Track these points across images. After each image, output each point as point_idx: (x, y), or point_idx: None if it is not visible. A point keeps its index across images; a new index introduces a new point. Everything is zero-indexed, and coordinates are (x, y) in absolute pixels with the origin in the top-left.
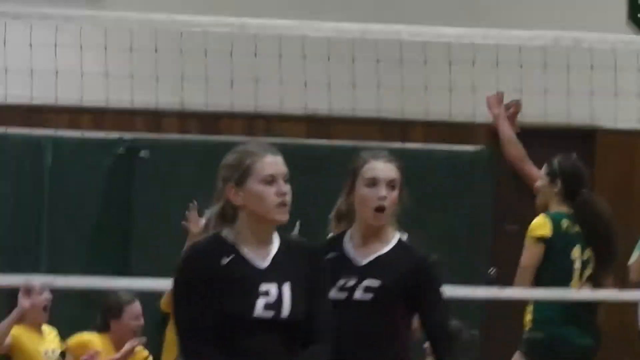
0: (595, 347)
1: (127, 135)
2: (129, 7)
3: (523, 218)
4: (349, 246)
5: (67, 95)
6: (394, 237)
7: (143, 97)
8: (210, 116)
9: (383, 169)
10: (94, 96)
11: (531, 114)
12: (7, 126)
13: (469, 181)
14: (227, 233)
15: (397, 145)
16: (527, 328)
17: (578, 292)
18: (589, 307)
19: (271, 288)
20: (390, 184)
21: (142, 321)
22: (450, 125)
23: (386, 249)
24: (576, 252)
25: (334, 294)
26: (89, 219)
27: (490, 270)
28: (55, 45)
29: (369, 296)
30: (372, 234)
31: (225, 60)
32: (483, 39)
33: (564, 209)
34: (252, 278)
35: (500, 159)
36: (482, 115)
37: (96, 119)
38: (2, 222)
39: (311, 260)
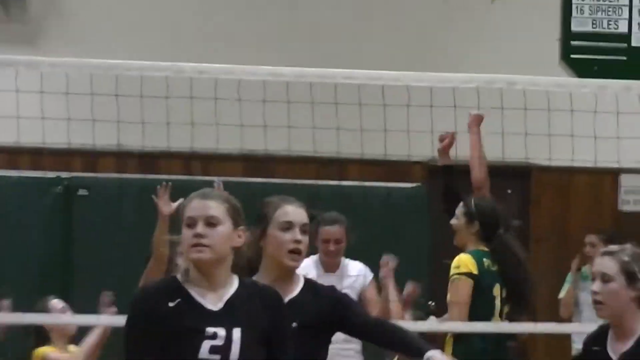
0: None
1: (65, 175)
2: (65, 51)
3: (459, 252)
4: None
5: (5, 136)
6: (300, 279)
7: (80, 138)
8: (147, 156)
9: (296, 213)
10: (31, 137)
11: (465, 152)
12: None
13: (406, 218)
14: (181, 275)
15: (334, 183)
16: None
17: (517, 325)
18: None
19: (219, 331)
20: (303, 229)
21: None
22: (386, 163)
23: (296, 290)
24: (496, 290)
25: None
26: (30, 256)
27: (430, 304)
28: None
29: None
30: (282, 278)
31: (162, 103)
32: (417, 81)
33: (481, 247)
34: (199, 321)
35: (436, 195)
36: (417, 154)
37: (34, 159)
38: None
39: (271, 304)
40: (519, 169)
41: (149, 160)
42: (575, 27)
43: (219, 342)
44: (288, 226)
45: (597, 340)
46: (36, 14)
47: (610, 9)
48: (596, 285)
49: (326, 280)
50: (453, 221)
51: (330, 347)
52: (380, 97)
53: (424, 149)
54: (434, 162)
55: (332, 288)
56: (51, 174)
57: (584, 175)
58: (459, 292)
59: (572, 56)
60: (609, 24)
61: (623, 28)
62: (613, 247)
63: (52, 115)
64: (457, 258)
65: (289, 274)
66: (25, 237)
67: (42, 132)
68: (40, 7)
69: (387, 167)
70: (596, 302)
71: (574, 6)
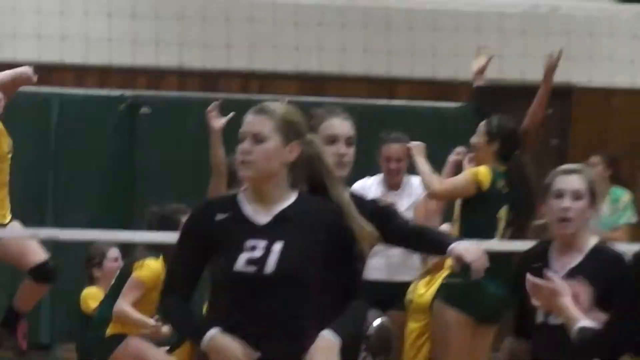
0: (508, 299)
1: (129, 92)
2: None
3: None
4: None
5: (73, 56)
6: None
7: (144, 58)
8: (208, 74)
9: (342, 125)
10: (98, 57)
11: (511, 75)
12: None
13: (452, 135)
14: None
15: (384, 102)
16: (445, 274)
17: (506, 244)
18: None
19: (259, 243)
20: (348, 141)
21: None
22: (434, 83)
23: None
24: (503, 212)
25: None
26: (93, 174)
27: None
28: (61, 18)
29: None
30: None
31: (222, 25)
32: (467, 5)
33: (498, 167)
34: (242, 234)
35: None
36: (464, 75)
37: (101, 77)
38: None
39: (329, 222)
40: (561, 90)
41: (209, 79)
42: None
43: (257, 254)
44: (333, 139)
45: (538, 257)
46: None
47: None
48: (567, 202)
49: (389, 198)
50: (473, 139)
51: None
52: (430, 21)
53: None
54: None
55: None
56: (116, 92)
57: (622, 95)
58: (461, 180)
59: None
60: None
61: None
62: (575, 166)
63: (119, 36)
64: (476, 168)
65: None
66: (91, 153)
67: (109, 52)
68: None
69: (435, 87)
70: (564, 220)
71: None
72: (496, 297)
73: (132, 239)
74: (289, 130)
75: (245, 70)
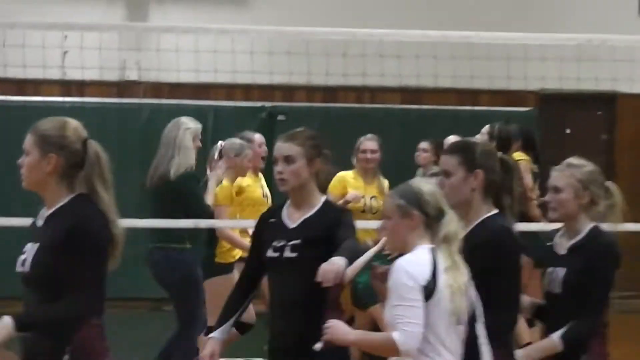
0: None
1: (268, 104)
2: (266, 13)
3: (565, 159)
4: (285, 213)
5: (224, 76)
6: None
7: (280, 77)
8: (329, 89)
9: (279, 147)
10: (244, 77)
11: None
12: (179, 98)
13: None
14: None
15: (468, 108)
16: None
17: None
18: None
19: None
20: (286, 160)
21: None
22: (507, 92)
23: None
24: None
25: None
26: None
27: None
28: (215, 52)
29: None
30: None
31: (341, 55)
32: (534, 40)
33: None
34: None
35: (543, 116)
36: (531, 85)
37: (246, 92)
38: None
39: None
40: (608, 95)
41: (330, 92)
42: None
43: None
44: (274, 160)
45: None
46: None
47: None
48: (549, 196)
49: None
50: (477, 137)
51: None
52: (505, 53)
53: (537, 83)
54: (543, 92)
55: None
56: (258, 104)
57: None
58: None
59: None
60: None
61: None
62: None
63: (259, 61)
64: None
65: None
66: None
67: (252, 73)
68: None
69: (508, 96)
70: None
71: None
72: None
73: None
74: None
75: (359, 85)
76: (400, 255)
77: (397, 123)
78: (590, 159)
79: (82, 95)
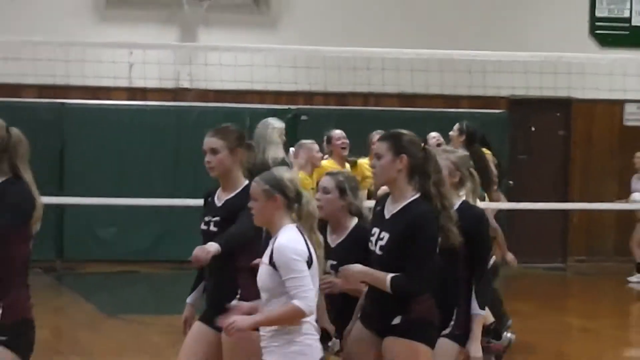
0: None
1: (293, 107)
2: (292, 34)
3: (531, 151)
4: (217, 193)
5: (258, 85)
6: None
7: (302, 85)
8: (341, 94)
9: (206, 142)
10: (274, 85)
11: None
12: (222, 102)
13: (496, 134)
14: None
15: (450, 110)
16: None
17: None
18: None
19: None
20: (212, 152)
21: None
22: (484, 98)
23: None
24: None
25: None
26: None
27: (510, 183)
28: (250, 65)
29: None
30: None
31: (352, 68)
32: (505, 57)
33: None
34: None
35: (513, 118)
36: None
37: (275, 97)
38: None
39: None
40: (564, 100)
41: (342, 97)
42: (597, 14)
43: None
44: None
45: (382, 201)
46: (276, 7)
47: (618, 1)
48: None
49: None
50: (451, 133)
51: None
52: (481, 67)
53: (507, 90)
54: (512, 97)
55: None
56: (285, 106)
57: (603, 104)
58: None
59: (596, 32)
60: (617, 11)
61: (626, 14)
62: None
63: (286, 75)
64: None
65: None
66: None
67: (280, 83)
68: (278, 2)
69: (485, 100)
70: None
71: (597, 0)
72: None
73: None
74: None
75: (366, 91)
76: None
77: (396, 122)
78: (551, 151)
79: (144, 99)
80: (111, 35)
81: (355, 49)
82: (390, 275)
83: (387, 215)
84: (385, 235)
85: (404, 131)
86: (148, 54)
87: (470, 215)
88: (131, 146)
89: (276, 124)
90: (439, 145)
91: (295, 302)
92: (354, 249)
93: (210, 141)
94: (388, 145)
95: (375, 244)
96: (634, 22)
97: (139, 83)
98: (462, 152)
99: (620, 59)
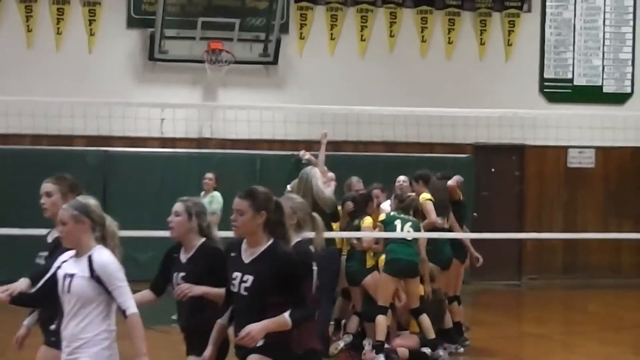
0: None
1: (296, 152)
2: (298, 92)
3: (492, 188)
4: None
5: (268, 133)
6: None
7: (305, 134)
8: (336, 142)
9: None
10: (280, 134)
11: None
12: (237, 149)
13: (464, 174)
14: None
15: (429, 155)
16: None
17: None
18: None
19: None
20: (47, 195)
21: None
22: (453, 145)
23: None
24: None
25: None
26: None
27: (474, 215)
28: (260, 121)
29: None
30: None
31: (346, 122)
32: (470, 113)
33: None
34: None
35: (478, 162)
36: (469, 138)
37: (281, 144)
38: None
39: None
40: (519, 147)
41: (336, 145)
42: (546, 75)
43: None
44: None
45: (233, 247)
46: (283, 73)
47: (561, 64)
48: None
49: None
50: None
51: None
52: (451, 121)
53: (472, 138)
54: (477, 143)
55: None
56: (289, 152)
57: (551, 150)
58: (433, 211)
59: (545, 90)
60: (562, 73)
61: (569, 75)
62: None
63: (290, 127)
64: (423, 195)
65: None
66: (276, 188)
67: (285, 133)
68: (284, 68)
69: (454, 147)
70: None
71: (545, 64)
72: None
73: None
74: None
75: (355, 140)
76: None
77: (381, 166)
78: (508, 188)
79: (174, 147)
80: (147, 95)
81: (347, 107)
82: (287, 313)
83: (247, 260)
84: (249, 278)
85: (261, 189)
86: (177, 111)
87: (298, 251)
88: (163, 186)
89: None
90: (401, 188)
91: (130, 311)
92: (200, 263)
93: (45, 186)
94: (249, 204)
95: (239, 287)
96: (576, 82)
97: (169, 134)
98: (300, 199)
99: (565, 114)
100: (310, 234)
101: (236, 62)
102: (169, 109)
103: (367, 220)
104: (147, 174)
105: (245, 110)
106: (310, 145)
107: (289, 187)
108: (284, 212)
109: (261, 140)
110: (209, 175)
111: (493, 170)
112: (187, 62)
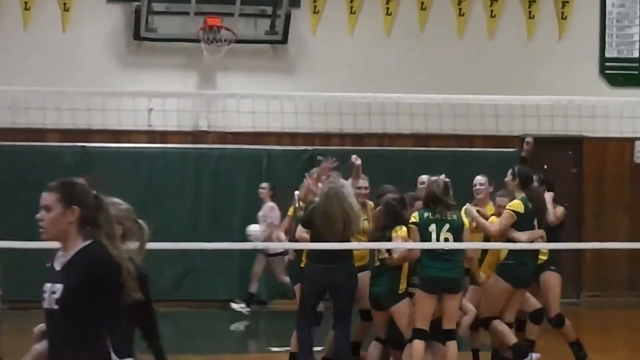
0: (536, 272)
1: (310, 148)
2: (308, 78)
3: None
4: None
5: (275, 127)
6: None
7: (318, 126)
8: (357, 135)
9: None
10: (291, 128)
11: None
12: (240, 145)
13: (508, 167)
14: None
15: (467, 149)
16: (501, 259)
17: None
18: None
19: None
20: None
21: None
22: (497, 137)
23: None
24: (535, 221)
25: None
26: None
27: None
28: (267, 112)
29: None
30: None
31: (366, 112)
32: (514, 100)
33: (522, 194)
34: None
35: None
36: (515, 130)
37: (292, 139)
38: (238, 208)
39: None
40: (576, 139)
41: (357, 138)
42: (607, 54)
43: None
44: None
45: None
46: (293, 54)
47: (625, 40)
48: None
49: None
50: (507, 179)
51: None
52: (493, 111)
53: (519, 130)
54: (525, 136)
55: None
56: (301, 148)
57: (614, 142)
58: (505, 220)
59: (606, 72)
60: (626, 52)
61: (636, 54)
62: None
63: (302, 118)
64: (512, 202)
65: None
66: (288, 186)
67: (296, 125)
68: (295, 49)
69: (498, 139)
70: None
71: (607, 41)
72: (532, 269)
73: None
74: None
75: (380, 132)
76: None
77: (411, 161)
78: (564, 188)
79: (164, 142)
80: (133, 80)
81: (369, 95)
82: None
83: (58, 267)
84: (59, 287)
85: (76, 180)
86: (167, 100)
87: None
88: (152, 187)
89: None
90: (478, 192)
91: None
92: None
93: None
94: (58, 197)
95: (49, 300)
96: None
97: (158, 126)
98: (127, 205)
99: (630, 100)
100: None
101: (237, 41)
102: (158, 98)
103: (402, 231)
104: (132, 173)
105: (249, 99)
106: (326, 139)
107: (297, 193)
108: (105, 209)
109: (268, 134)
110: (263, 184)
111: (545, 167)
112: (179, 41)
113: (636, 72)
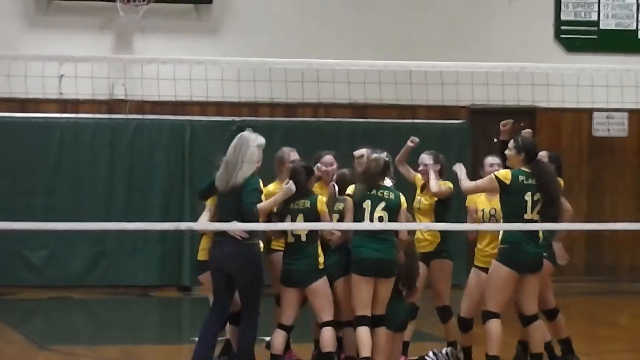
0: (541, 256)
1: (237, 118)
2: (235, 40)
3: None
4: None
5: (199, 95)
6: None
7: (246, 96)
8: (289, 105)
9: None
10: (216, 96)
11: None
12: (160, 115)
13: (455, 143)
14: None
15: (408, 121)
16: (499, 244)
17: (527, 225)
18: (535, 232)
19: None
20: None
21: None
22: (443, 108)
23: None
24: (528, 196)
25: None
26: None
27: None
28: (190, 79)
29: None
30: None
31: (299, 74)
32: (464, 68)
33: (524, 168)
34: None
35: (474, 128)
36: (463, 100)
37: (218, 109)
38: (157, 184)
39: None
40: (528, 109)
41: (289, 108)
42: (563, 17)
43: None
44: None
45: None
46: (218, 15)
47: (583, 2)
48: None
49: None
50: (507, 151)
51: None
52: (438, 79)
53: (466, 100)
54: (473, 106)
55: None
56: (228, 119)
57: (570, 113)
58: (483, 181)
59: (562, 36)
60: (584, 14)
61: (594, 17)
62: None
63: (229, 85)
64: (498, 172)
65: None
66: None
67: (222, 93)
68: (219, 11)
69: (442, 111)
70: None
71: (562, 2)
72: (534, 254)
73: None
74: None
75: (315, 102)
76: None
77: (348, 134)
78: None
79: (76, 112)
80: (41, 43)
81: (303, 60)
82: None
83: None
84: None
85: None
86: (80, 65)
87: None
88: (62, 161)
89: (259, 141)
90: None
91: None
92: None
93: None
94: None
95: None
96: (603, 26)
97: (70, 95)
98: None
99: (588, 67)
100: None
101: (157, 0)
102: (69, 63)
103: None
104: (41, 146)
105: (169, 65)
106: (255, 108)
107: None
108: None
109: (191, 103)
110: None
111: (495, 140)
112: (93, 0)
113: (595, 37)
